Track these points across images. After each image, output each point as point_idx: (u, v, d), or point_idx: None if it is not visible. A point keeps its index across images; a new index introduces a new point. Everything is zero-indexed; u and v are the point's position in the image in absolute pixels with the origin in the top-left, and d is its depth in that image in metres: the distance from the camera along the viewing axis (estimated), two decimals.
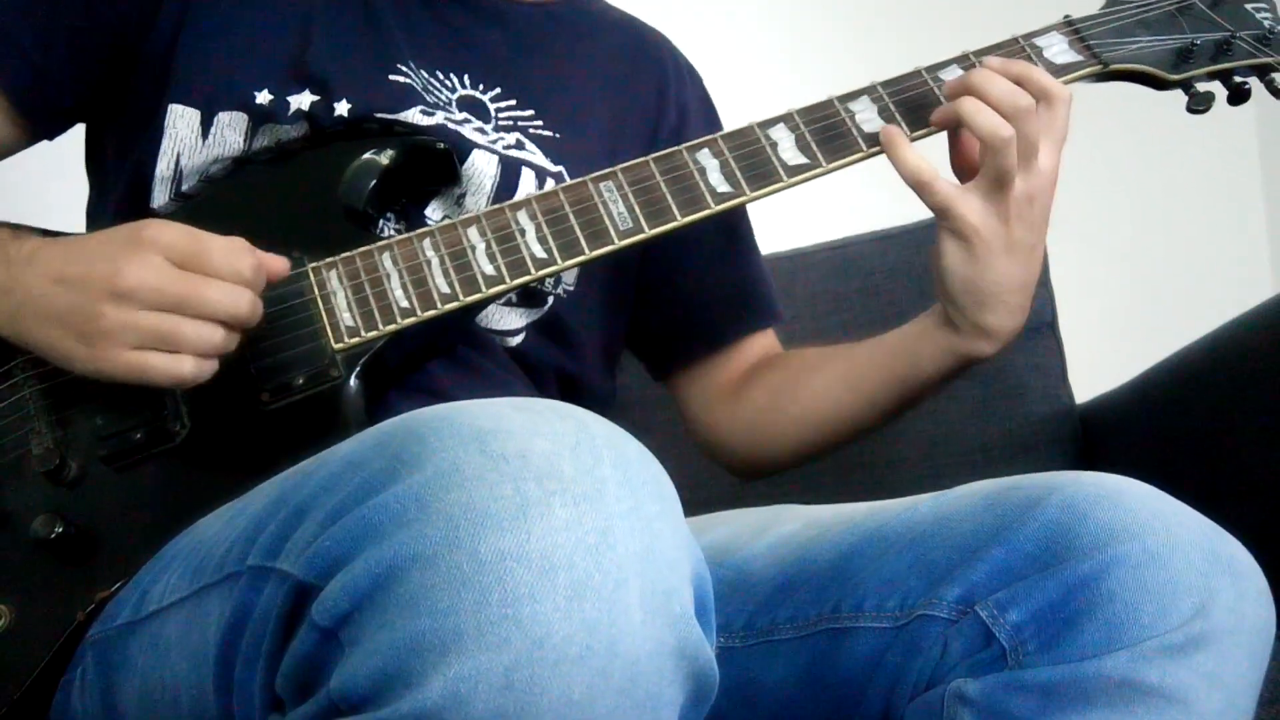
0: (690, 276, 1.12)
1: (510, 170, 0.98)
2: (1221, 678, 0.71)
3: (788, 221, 1.45)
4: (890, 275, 1.47)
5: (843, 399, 1.04)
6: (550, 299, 1.00)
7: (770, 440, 1.09)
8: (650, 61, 1.14)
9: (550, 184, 0.98)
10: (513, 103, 1.02)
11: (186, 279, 0.80)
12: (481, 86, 1.02)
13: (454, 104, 1.00)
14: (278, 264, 0.86)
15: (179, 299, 0.80)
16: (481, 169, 0.97)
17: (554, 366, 1.02)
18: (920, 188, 0.92)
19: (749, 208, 1.16)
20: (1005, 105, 0.90)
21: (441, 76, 1.01)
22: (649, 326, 1.14)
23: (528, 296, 0.99)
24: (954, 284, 0.94)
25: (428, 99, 0.98)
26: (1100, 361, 1.48)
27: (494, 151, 0.98)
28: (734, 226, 1.15)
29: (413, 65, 0.99)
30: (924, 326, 0.99)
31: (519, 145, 1.00)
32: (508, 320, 0.99)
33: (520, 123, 1.02)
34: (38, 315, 0.82)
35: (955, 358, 0.97)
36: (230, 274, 0.81)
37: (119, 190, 0.98)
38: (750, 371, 1.12)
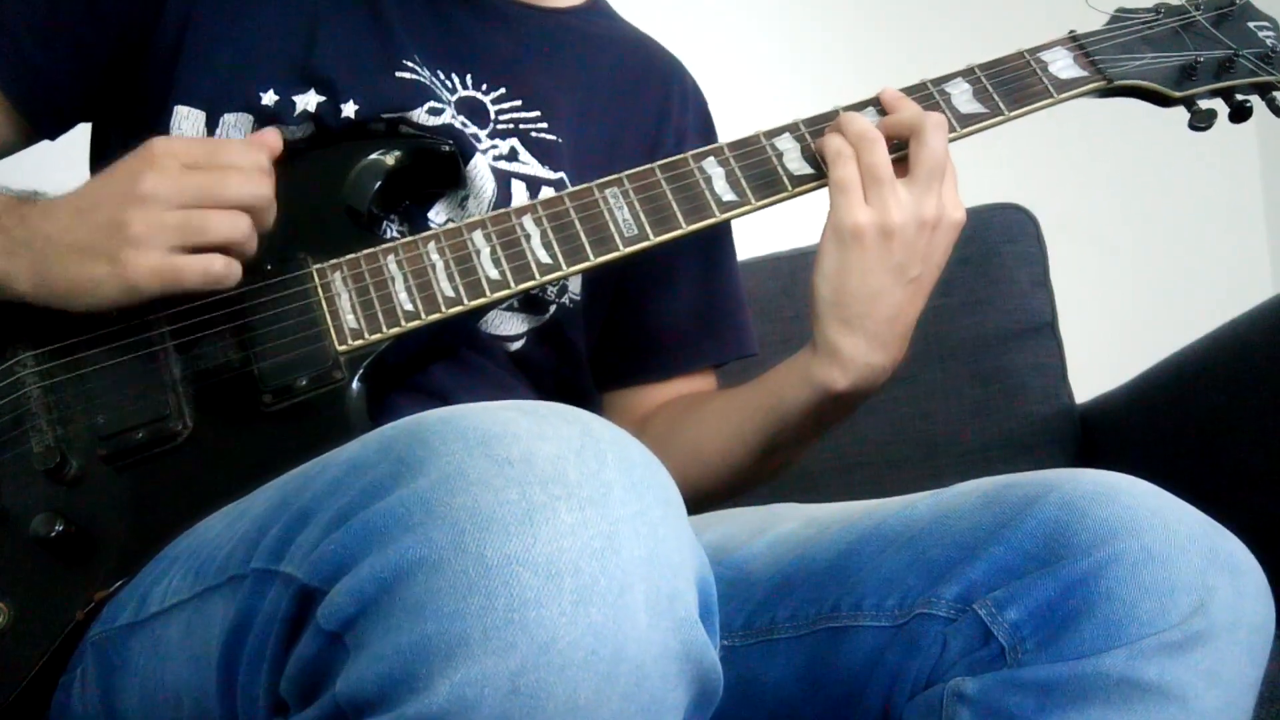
0: (643, 308, 1.10)
1: (502, 183, 0.97)
2: (1220, 675, 0.71)
3: (788, 221, 1.44)
4: None
5: (717, 433, 1.02)
6: (553, 307, 1.00)
7: None
8: (656, 83, 1.13)
9: (549, 191, 0.98)
10: (517, 103, 1.01)
11: (205, 172, 0.82)
12: (485, 87, 1.01)
13: (454, 105, 0.99)
14: (270, 136, 0.88)
15: (199, 191, 0.81)
16: (483, 174, 0.96)
17: (552, 371, 1.02)
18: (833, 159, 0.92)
19: (735, 238, 1.16)
20: (852, 133, 0.92)
21: (443, 75, 1.00)
22: (605, 338, 1.12)
23: (530, 304, 0.99)
24: (822, 285, 0.92)
25: (437, 94, 0.98)
26: (1100, 361, 1.49)
27: (488, 159, 0.98)
28: (710, 254, 1.13)
29: (419, 59, 0.99)
30: (794, 357, 0.98)
31: (512, 155, 1.00)
32: (509, 326, 0.99)
33: (522, 125, 1.01)
34: (59, 252, 0.83)
35: (809, 385, 0.94)
36: (247, 165, 0.83)
37: None
38: (657, 409, 1.10)
